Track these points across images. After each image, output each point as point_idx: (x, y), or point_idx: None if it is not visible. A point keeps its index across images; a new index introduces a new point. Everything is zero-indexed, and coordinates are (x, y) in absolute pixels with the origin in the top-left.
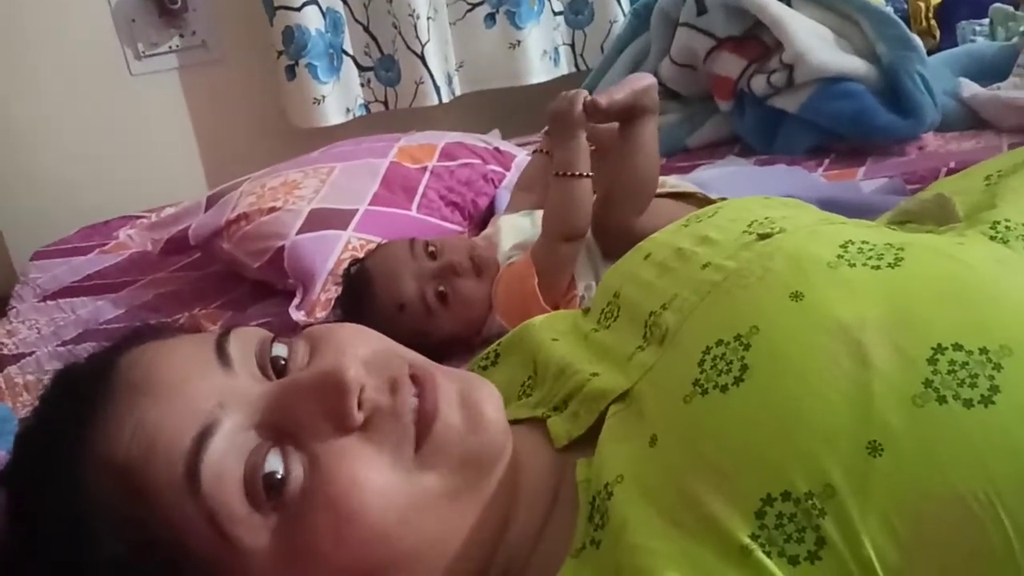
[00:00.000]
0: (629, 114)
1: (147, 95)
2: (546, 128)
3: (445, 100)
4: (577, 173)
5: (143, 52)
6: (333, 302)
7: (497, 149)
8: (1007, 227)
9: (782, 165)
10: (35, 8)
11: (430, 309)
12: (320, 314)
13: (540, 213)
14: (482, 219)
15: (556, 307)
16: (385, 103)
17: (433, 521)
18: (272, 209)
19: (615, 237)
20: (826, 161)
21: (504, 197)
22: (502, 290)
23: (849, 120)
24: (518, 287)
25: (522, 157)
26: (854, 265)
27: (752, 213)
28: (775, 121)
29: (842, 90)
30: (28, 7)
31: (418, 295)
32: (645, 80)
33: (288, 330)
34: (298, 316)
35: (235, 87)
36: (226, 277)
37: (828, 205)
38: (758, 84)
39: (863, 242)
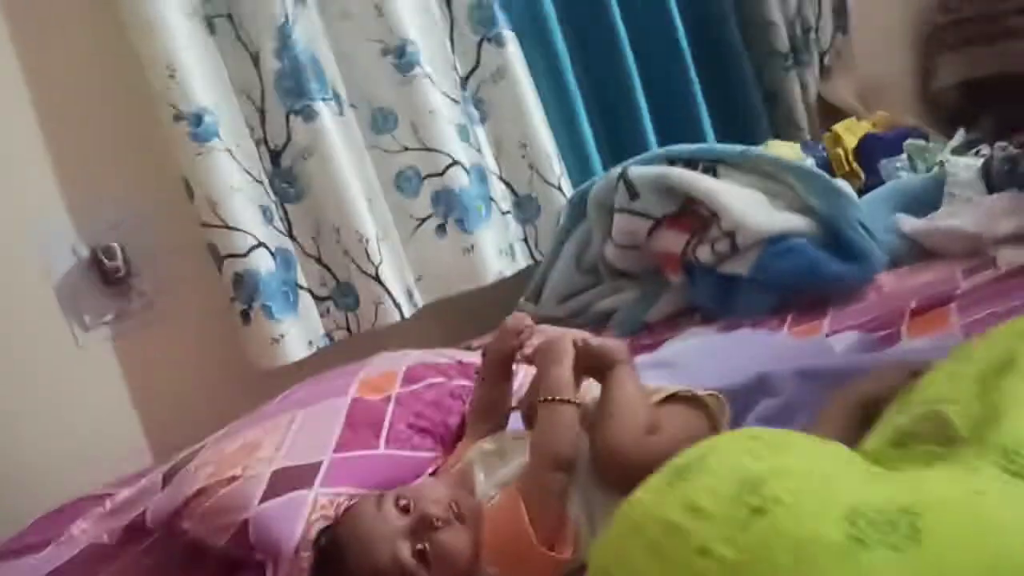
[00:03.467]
0: (605, 361)
1: (98, 366)
2: (483, 353)
3: (407, 315)
4: (565, 399)
5: (89, 323)
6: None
7: (460, 362)
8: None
9: (746, 329)
10: None
11: (409, 573)
12: None
13: (505, 436)
14: (455, 438)
15: (551, 545)
16: (348, 328)
17: None
18: (232, 479)
19: (609, 462)
20: (788, 317)
21: None
22: (489, 534)
23: (801, 276)
24: (508, 528)
25: None
26: (868, 545)
27: (741, 467)
28: (729, 286)
29: (787, 247)
30: None
31: (392, 560)
32: (620, 343)
33: None
34: None
35: (190, 342)
36: (192, 556)
37: (807, 376)
38: (704, 254)
39: (874, 511)
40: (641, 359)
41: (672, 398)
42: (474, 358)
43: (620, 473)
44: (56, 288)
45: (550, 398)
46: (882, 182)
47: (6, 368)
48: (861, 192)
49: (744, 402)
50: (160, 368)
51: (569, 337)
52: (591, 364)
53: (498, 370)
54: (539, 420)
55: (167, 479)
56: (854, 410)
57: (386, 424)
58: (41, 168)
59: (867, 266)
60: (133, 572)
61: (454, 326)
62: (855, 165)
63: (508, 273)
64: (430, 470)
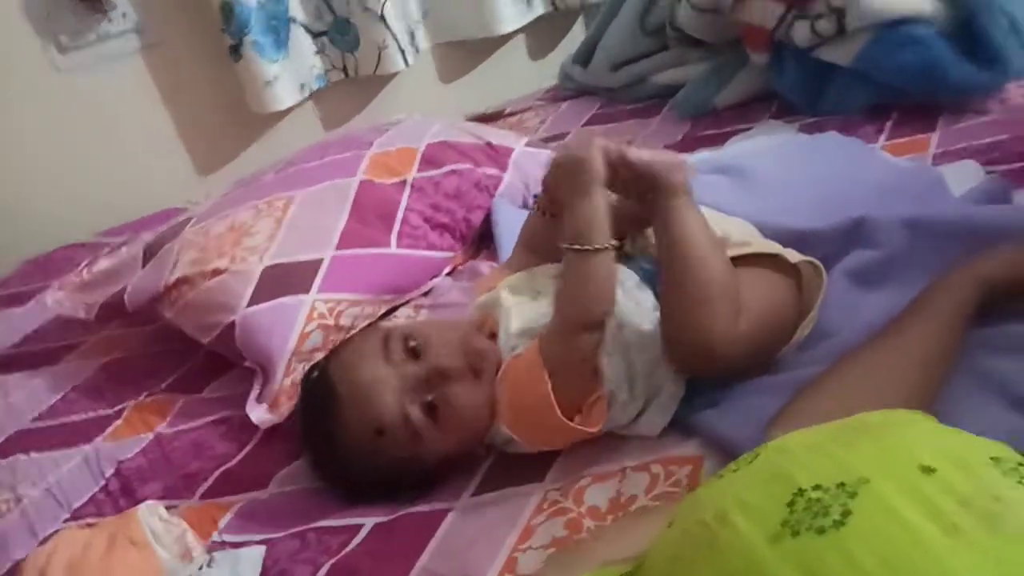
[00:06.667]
0: (653, 186)
1: (81, 92)
2: (536, 193)
3: (411, 62)
4: (595, 247)
5: (67, 45)
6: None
7: (490, 144)
8: None
9: (833, 133)
10: None
11: (417, 430)
12: (285, 407)
13: (541, 273)
14: (476, 236)
15: (576, 412)
16: (344, 71)
17: None
18: (216, 272)
19: (692, 356)
20: (888, 124)
21: (502, 208)
22: (507, 396)
23: (916, 74)
24: (527, 394)
25: (520, 151)
26: None
27: (925, 553)
28: (822, 76)
29: (906, 36)
30: None
31: (399, 415)
32: (679, 157)
33: (249, 427)
34: (259, 415)
35: (183, 71)
36: (180, 335)
37: (917, 229)
38: (800, 33)
39: None
40: (701, 156)
41: (754, 257)
42: (508, 142)
43: (700, 367)
44: (25, 2)
45: (577, 246)
46: None
47: None
48: None
49: (832, 248)
50: (152, 102)
51: (599, 150)
52: (634, 187)
53: (559, 208)
54: (565, 272)
55: (148, 255)
56: (976, 287)
57: (399, 216)
58: None
59: (1000, 73)
60: (119, 345)
61: (464, 72)
62: None
63: (520, 24)
64: (446, 270)
